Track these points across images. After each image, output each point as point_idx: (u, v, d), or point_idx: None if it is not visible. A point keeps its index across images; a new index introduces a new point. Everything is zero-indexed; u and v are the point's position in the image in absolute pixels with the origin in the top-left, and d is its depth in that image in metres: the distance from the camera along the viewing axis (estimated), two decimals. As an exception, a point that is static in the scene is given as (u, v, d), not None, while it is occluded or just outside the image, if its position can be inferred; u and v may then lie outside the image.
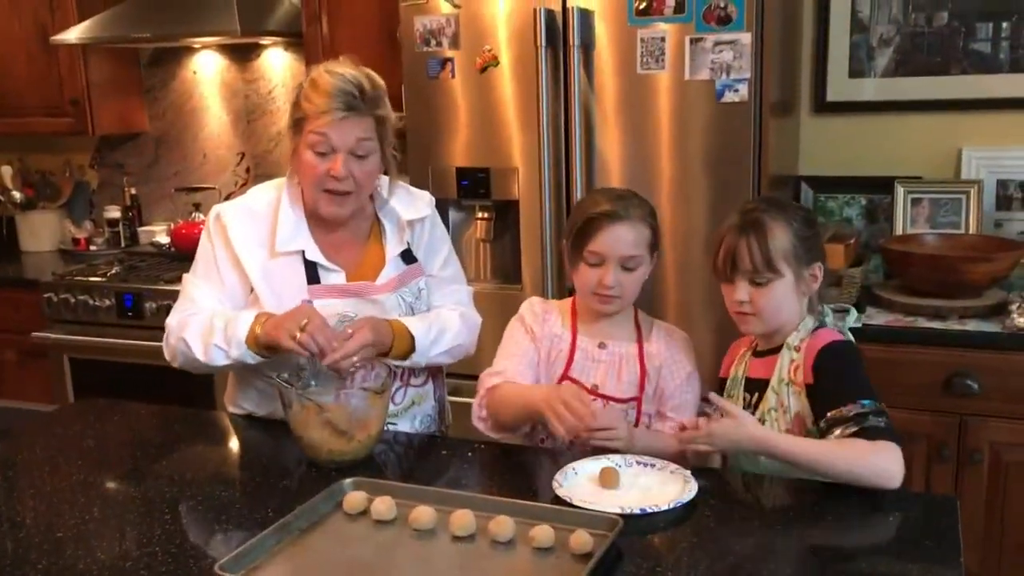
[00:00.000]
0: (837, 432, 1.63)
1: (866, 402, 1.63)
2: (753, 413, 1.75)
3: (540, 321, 1.98)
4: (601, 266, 1.85)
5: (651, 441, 1.82)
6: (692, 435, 1.67)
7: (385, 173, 1.97)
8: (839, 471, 1.58)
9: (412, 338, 1.92)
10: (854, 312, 1.85)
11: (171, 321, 1.95)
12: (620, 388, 1.91)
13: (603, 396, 1.90)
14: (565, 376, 1.92)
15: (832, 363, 1.69)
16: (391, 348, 1.89)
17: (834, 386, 1.67)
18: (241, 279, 1.93)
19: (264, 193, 1.99)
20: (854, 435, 1.61)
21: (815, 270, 1.76)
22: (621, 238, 1.84)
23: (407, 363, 1.95)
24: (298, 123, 1.86)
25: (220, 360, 1.87)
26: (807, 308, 1.78)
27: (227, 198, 2.12)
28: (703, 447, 1.68)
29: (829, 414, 1.65)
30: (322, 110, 1.80)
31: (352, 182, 1.86)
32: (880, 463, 1.57)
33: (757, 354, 1.83)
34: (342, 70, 1.84)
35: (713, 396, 1.73)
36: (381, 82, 1.89)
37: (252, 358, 1.85)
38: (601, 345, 1.93)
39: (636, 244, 1.85)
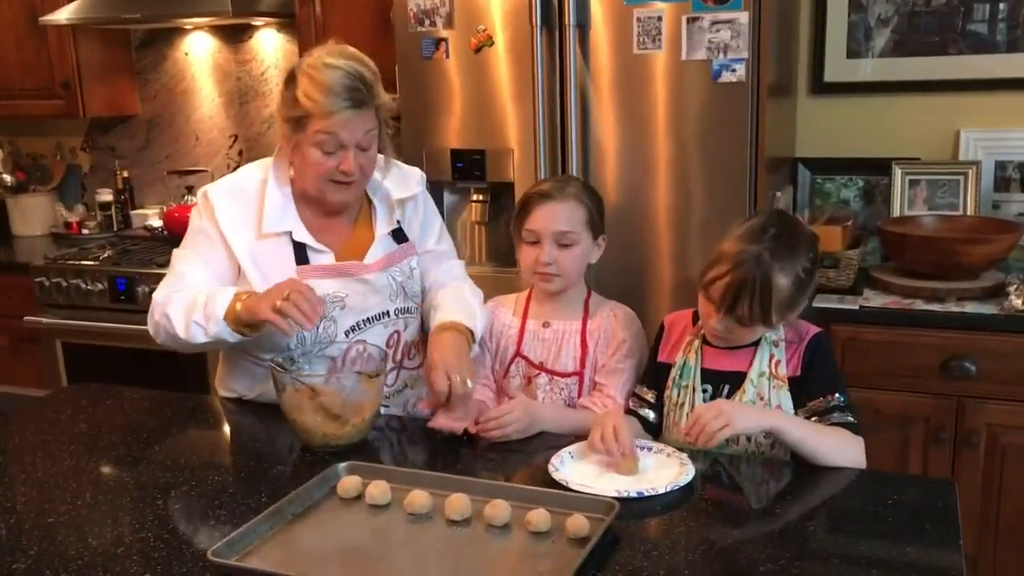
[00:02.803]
0: (812, 421, 1.71)
1: (840, 396, 1.71)
2: None
3: (489, 322, 2.06)
4: (538, 244, 1.93)
5: (563, 420, 1.86)
6: (705, 424, 1.58)
7: (380, 151, 1.96)
8: (827, 461, 1.63)
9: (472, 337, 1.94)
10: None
11: (157, 296, 1.93)
12: (559, 363, 1.97)
13: (548, 371, 1.97)
14: (517, 354, 2.00)
15: (817, 355, 1.75)
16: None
17: (817, 376, 1.73)
18: (229, 259, 1.91)
19: (251, 173, 1.97)
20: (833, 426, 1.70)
21: (797, 310, 1.75)
22: (553, 215, 1.92)
23: None
24: (299, 120, 1.80)
25: (199, 337, 1.82)
26: None
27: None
28: (723, 429, 1.58)
29: (809, 404, 1.72)
30: (329, 110, 1.76)
31: (359, 173, 1.86)
32: (856, 458, 1.66)
33: (713, 344, 1.80)
34: (339, 61, 1.78)
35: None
36: (374, 65, 1.85)
37: (231, 335, 1.81)
38: (545, 324, 2.00)
39: (569, 221, 1.92)
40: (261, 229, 1.89)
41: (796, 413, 1.72)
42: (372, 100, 1.81)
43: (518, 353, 2.00)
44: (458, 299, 1.99)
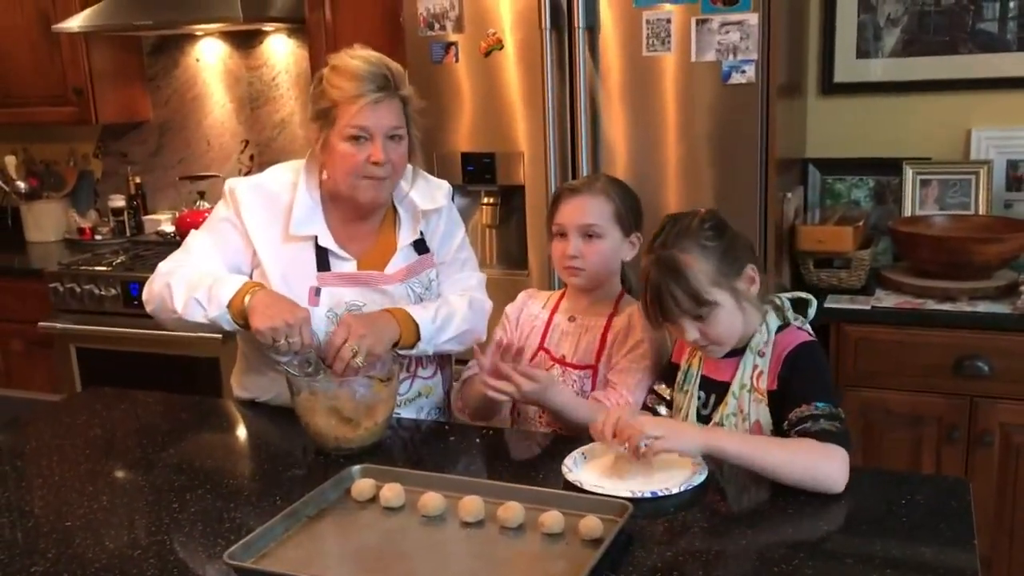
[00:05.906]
0: (792, 435, 1.60)
1: (820, 404, 1.60)
2: (710, 415, 1.73)
3: (519, 308, 2.08)
4: (565, 238, 1.93)
5: (569, 404, 1.83)
6: (633, 436, 1.53)
7: (409, 159, 1.95)
8: (784, 477, 1.53)
9: (417, 326, 1.90)
10: (814, 302, 1.77)
11: (162, 266, 1.93)
12: (577, 356, 1.96)
13: (566, 364, 1.96)
14: (541, 347, 1.99)
15: (795, 366, 1.66)
16: (399, 339, 1.87)
17: (795, 389, 1.64)
18: (247, 252, 1.91)
19: (280, 175, 1.97)
20: (804, 437, 1.57)
21: (747, 274, 1.69)
22: (578, 207, 1.92)
23: (415, 351, 1.93)
24: (326, 112, 1.83)
25: (196, 316, 1.82)
26: (759, 304, 1.71)
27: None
28: (658, 440, 1.53)
29: (789, 416, 1.62)
30: (355, 94, 1.79)
31: (390, 166, 1.85)
32: (823, 470, 1.52)
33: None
34: (363, 54, 1.84)
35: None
36: (399, 66, 1.89)
37: (229, 324, 1.81)
38: (571, 318, 1.99)
39: (594, 214, 1.91)
40: (287, 231, 1.89)
41: (779, 426, 1.65)
42: (397, 89, 1.84)
43: (541, 347, 1.99)
44: (430, 303, 1.97)
